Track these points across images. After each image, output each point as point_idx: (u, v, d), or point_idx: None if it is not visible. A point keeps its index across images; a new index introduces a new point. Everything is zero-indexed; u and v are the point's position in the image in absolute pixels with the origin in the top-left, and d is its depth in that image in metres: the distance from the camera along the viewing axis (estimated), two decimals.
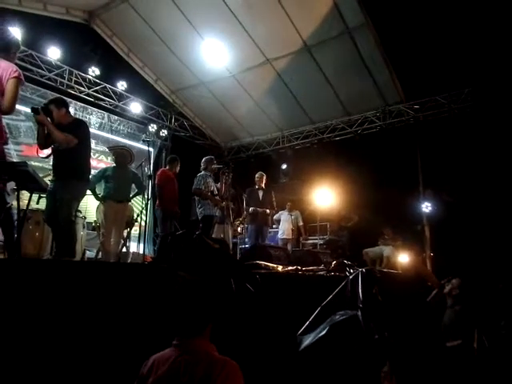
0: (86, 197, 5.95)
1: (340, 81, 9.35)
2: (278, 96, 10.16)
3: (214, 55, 9.28)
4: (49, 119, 3.90)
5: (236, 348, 2.21)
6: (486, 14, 7.21)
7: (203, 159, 6.57)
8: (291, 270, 4.63)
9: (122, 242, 5.99)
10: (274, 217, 8.78)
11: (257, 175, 7.64)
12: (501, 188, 8.07)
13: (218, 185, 6.59)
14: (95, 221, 6.47)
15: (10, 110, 3.00)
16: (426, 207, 9.47)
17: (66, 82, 9.36)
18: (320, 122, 10.88)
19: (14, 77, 2.96)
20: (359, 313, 2.70)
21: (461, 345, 4.19)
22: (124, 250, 6.16)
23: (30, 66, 8.62)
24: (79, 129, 4.03)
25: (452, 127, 8.99)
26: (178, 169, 6.54)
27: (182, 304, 1.60)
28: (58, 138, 3.83)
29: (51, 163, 4.13)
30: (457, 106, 8.94)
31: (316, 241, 9.41)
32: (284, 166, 11.78)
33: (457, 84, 8.77)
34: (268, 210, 7.34)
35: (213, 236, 6.09)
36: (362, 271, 3.03)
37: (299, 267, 4.81)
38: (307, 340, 2.72)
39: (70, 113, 4.27)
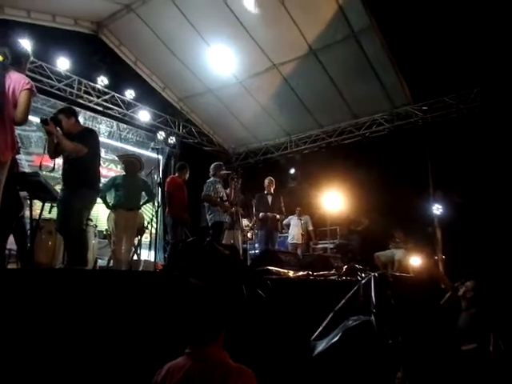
0: (96, 205, 6.00)
1: (347, 84, 9.34)
2: (285, 101, 10.17)
3: (220, 62, 9.33)
4: (58, 129, 3.94)
5: (248, 354, 2.20)
6: (494, 12, 7.16)
7: (212, 165, 6.58)
8: (302, 275, 4.62)
9: (133, 249, 6.01)
10: (284, 222, 8.77)
11: (266, 180, 7.64)
12: None
13: (227, 191, 6.60)
14: (106, 229, 6.51)
15: (24, 121, 3.05)
16: (437, 209, 9.38)
17: (75, 91, 9.47)
18: (328, 126, 10.86)
19: (27, 89, 3.01)
20: (372, 318, 2.67)
21: (476, 348, 4.13)
22: (135, 257, 6.19)
23: (40, 77, 8.73)
24: (89, 138, 4.06)
25: (461, 128, 8.91)
26: (187, 176, 6.57)
27: (194, 312, 1.58)
28: (67, 147, 3.87)
29: (61, 172, 4.16)
30: (465, 106, 8.87)
31: (326, 245, 9.38)
32: (292, 171, 11.77)
33: (465, 84, 8.71)
34: (278, 216, 7.33)
35: (223, 242, 6.09)
36: (374, 275, 3.00)
37: (310, 272, 4.79)
38: (320, 346, 2.70)
39: (79, 122, 4.30)
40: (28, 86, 3.02)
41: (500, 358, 4.06)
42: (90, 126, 10.08)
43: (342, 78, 9.25)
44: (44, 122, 3.80)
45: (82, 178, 3.93)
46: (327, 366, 2.61)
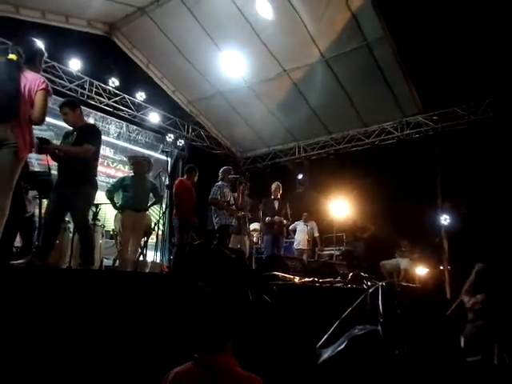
0: (104, 206, 6.05)
1: (357, 92, 9.33)
2: (295, 106, 10.18)
3: (231, 66, 9.37)
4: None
5: (253, 360, 2.19)
6: (507, 24, 7.13)
7: (221, 169, 6.59)
8: (308, 281, 4.61)
9: (140, 250, 6.03)
10: (290, 227, 8.74)
11: (273, 185, 7.59)
12: None
13: (236, 195, 6.60)
14: (113, 229, 6.55)
15: (41, 121, 3.08)
16: (445, 219, 9.32)
17: (86, 92, 9.55)
18: (336, 133, 10.85)
19: (43, 88, 3.03)
20: (379, 327, 2.65)
21: (481, 360, 4.09)
22: (141, 258, 6.21)
23: (52, 77, 8.82)
24: (93, 135, 4.05)
25: (472, 139, 8.86)
26: (195, 178, 6.54)
27: (204, 318, 1.57)
28: (78, 153, 3.86)
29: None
30: (476, 117, 8.82)
31: (332, 252, 9.34)
32: (300, 176, 11.76)
33: (476, 95, 8.67)
34: (285, 221, 7.31)
35: (229, 246, 6.08)
36: (381, 285, 2.99)
37: (316, 279, 4.78)
38: (326, 353, 2.68)
39: (82, 114, 4.29)
40: (43, 86, 3.04)
41: (504, 371, 4.02)
42: (100, 127, 10.17)
43: (353, 86, 9.24)
44: (43, 149, 3.71)
45: (83, 174, 3.91)
46: (332, 374, 2.59)
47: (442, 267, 9.28)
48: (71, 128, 4.15)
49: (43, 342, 2.22)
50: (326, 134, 11.01)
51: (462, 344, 4.31)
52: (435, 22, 7.68)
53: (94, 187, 4.09)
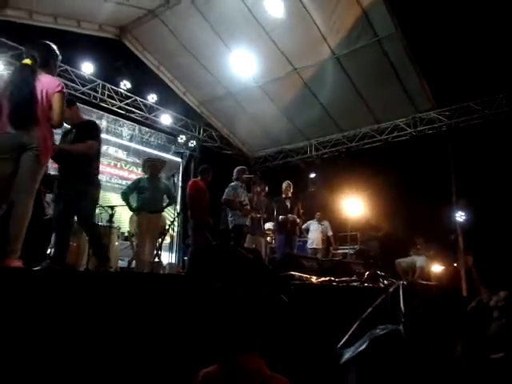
0: (119, 207, 6.10)
1: (369, 88, 9.25)
2: (306, 105, 10.14)
3: (241, 66, 9.37)
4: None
5: (275, 360, 2.18)
6: None
7: (235, 169, 6.58)
8: (325, 280, 4.58)
9: (155, 251, 6.05)
10: (303, 226, 8.71)
11: (284, 184, 7.53)
12: None
13: (251, 195, 6.58)
14: (128, 231, 6.58)
15: (60, 124, 3.12)
16: (460, 216, 9.20)
17: (99, 95, 9.64)
18: (348, 131, 10.78)
19: (59, 91, 3.07)
20: (401, 327, 2.63)
21: (503, 358, 4.03)
22: (156, 259, 6.23)
23: (65, 81, 8.91)
24: (95, 132, 4.01)
25: (486, 134, 8.74)
26: (209, 179, 6.55)
27: (233, 320, 1.57)
28: (82, 151, 3.82)
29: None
30: (491, 112, 8.70)
31: (346, 250, 9.30)
32: (312, 175, 11.71)
33: (491, 89, 8.55)
34: (298, 219, 7.27)
35: (245, 246, 6.07)
36: (403, 284, 2.96)
37: (332, 278, 4.76)
38: (347, 354, 2.67)
39: (80, 111, 4.26)
40: (59, 88, 3.08)
41: None
42: (113, 129, 10.28)
43: (365, 83, 9.17)
44: None
45: (84, 174, 3.87)
46: (355, 375, 2.57)
47: (456, 264, 9.19)
48: (69, 126, 4.10)
49: (62, 344, 2.23)
50: (338, 132, 10.95)
51: (487, 342, 4.25)
52: (447, 16, 7.59)
53: (97, 187, 4.06)
